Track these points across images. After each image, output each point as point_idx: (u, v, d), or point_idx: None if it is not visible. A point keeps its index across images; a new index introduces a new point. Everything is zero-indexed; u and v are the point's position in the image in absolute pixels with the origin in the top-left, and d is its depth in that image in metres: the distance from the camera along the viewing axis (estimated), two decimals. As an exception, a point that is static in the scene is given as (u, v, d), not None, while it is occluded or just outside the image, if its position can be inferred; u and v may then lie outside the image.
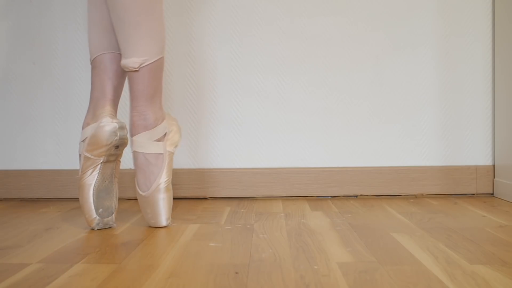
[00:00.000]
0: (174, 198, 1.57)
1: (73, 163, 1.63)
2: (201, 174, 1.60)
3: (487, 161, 1.62)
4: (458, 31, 1.61)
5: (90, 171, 1.18)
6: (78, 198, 1.61)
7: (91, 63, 1.24)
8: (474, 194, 1.62)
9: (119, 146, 1.18)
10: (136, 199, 1.61)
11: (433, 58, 1.61)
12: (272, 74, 1.61)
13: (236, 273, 0.85)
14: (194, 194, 1.61)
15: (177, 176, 1.60)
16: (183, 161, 1.61)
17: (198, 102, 1.62)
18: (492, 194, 1.61)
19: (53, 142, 1.63)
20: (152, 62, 1.18)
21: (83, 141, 1.19)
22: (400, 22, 1.61)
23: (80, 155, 1.20)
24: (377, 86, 1.62)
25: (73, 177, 1.62)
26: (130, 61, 1.16)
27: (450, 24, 1.61)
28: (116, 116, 1.22)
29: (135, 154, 1.19)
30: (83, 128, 1.21)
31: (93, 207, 1.17)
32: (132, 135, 1.20)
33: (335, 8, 1.61)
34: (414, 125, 1.62)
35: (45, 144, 1.63)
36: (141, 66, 1.17)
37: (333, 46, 1.61)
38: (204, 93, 1.62)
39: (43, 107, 1.63)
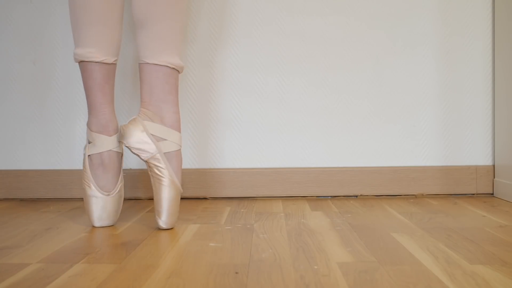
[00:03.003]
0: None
1: (73, 163, 1.63)
2: (201, 174, 1.60)
3: (487, 161, 1.62)
4: (458, 31, 1.61)
5: None
6: (78, 198, 1.61)
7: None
8: (474, 194, 1.62)
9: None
10: (136, 199, 1.61)
11: (433, 58, 1.61)
12: (272, 74, 1.62)
13: (236, 273, 0.85)
14: (194, 194, 1.61)
15: (177, 176, 1.60)
16: (183, 161, 1.61)
17: (198, 102, 1.62)
18: (492, 194, 1.61)
19: (53, 142, 1.63)
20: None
21: (90, 143, 1.21)
22: (400, 21, 1.61)
23: (84, 154, 1.21)
24: (377, 86, 1.62)
25: (73, 177, 1.62)
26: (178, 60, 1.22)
27: (450, 24, 1.61)
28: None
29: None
30: (92, 130, 1.22)
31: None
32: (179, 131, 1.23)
33: (335, 8, 1.61)
34: (414, 125, 1.62)
35: (45, 144, 1.63)
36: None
37: (333, 46, 1.61)
38: (204, 93, 1.62)
39: (43, 107, 1.63)
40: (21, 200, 1.62)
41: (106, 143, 1.20)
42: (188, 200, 1.59)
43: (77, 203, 1.54)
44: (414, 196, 1.61)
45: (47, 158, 1.63)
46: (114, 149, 1.21)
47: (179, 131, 1.21)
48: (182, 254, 0.97)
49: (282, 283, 0.80)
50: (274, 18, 1.61)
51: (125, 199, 1.60)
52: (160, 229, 1.18)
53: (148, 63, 1.19)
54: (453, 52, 1.61)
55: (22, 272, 0.87)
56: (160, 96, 1.20)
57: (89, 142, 1.21)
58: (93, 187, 1.20)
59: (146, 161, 1.16)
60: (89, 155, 1.21)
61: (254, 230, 1.16)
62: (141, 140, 1.15)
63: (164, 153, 1.18)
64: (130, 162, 1.62)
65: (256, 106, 1.62)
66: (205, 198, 1.61)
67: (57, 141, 1.63)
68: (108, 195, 1.21)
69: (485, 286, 0.78)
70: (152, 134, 1.17)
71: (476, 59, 1.61)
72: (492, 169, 1.61)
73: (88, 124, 1.22)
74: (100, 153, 1.20)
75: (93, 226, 1.21)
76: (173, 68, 1.21)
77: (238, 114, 1.62)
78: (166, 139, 1.18)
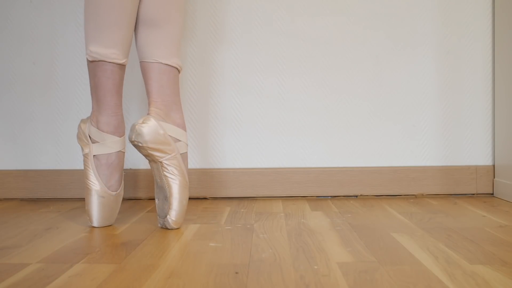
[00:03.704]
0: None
1: (73, 163, 1.63)
2: (201, 174, 1.60)
3: (487, 161, 1.62)
4: (458, 31, 1.61)
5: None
6: (78, 198, 1.61)
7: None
8: (474, 194, 1.62)
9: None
10: (136, 199, 1.61)
11: (433, 58, 1.61)
12: (272, 74, 1.62)
13: (236, 273, 0.85)
14: (194, 194, 1.60)
15: (177, 176, 1.60)
16: (183, 161, 1.61)
17: (198, 102, 1.62)
18: (492, 194, 1.61)
19: (53, 142, 1.63)
20: None
21: (95, 143, 1.21)
22: (400, 22, 1.61)
23: (87, 154, 1.20)
24: (377, 86, 1.62)
25: (73, 177, 1.62)
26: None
27: (450, 24, 1.61)
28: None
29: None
30: (103, 131, 1.21)
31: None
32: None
33: (335, 8, 1.61)
34: (414, 125, 1.62)
35: (45, 144, 1.63)
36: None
37: (333, 46, 1.61)
38: (204, 93, 1.62)
39: (43, 107, 1.63)
40: (21, 200, 1.62)
41: (118, 144, 1.21)
42: (188, 200, 1.59)
43: (77, 203, 1.54)
44: (414, 196, 1.60)
45: (47, 158, 1.63)
46: (122, 150, 1.22)
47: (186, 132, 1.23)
48: (182, 254, 0.97)
49: (282, 283, 0.80)
50: (274, 17, 1.61)
51: (125, 199, 1.60)
52: (168, 228, 1.18)
53: (161, 63, 1.19)
54: (453, 52, 1.61)
55: (22, 272, 0.87)
56: (171, 96, 1.21)
57: (94, 142, 1.21)
58: (100, 187, 1.19)
59: (159, 162, 1.16)
60: (95, 155, 1.20)
61: (254, 230, 1.16)
62: (160, 141, 1.15)
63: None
64: (130, 162, 1.62)
65: (256, 106, 1.62)
66: (205, 198, 1.61)
67: (57, 141, 1.63)
68: (115, 194, 1.21)
69: (485, 286, 0.78)
70: (169, 135, 1.17)
71: (476, 59, 1.61)
72: (492, 169, 1.61)
73: (98, 125, 1.20)
74: (109, 153, 1.20)
75: (93, 226, 1.21)
76: (178, 70, 1.22)
77: (238, 114, 1.62)
78: (180, 140, 1.19)
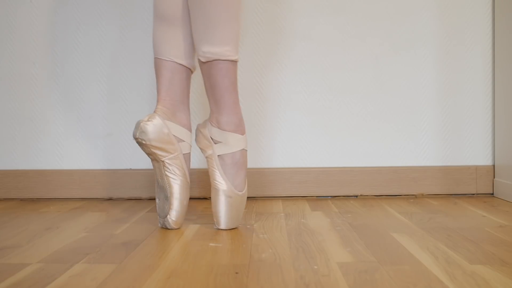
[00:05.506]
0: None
1: (73, 163, 1.63)
2: (201, 174, 1.60)
3: (487, 161, 1.62)
4: (458, 31, 1.61)
5: None
6: (78, 198, 1.61)
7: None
8: (474, 194, 1.62)
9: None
10: (136, 199, 1.60)
11: (433, 58, 1.61)
12: (272, 74, 1.61)
13: (236, 273, 0.85)
14: (194, 194, 1.60)
15: (177, 176, 1.59)
16: (183, 161, 1.61)
17: (198, 102, 1.62)
18: (492, 194, 1.61)
19: (53, 142, 1.63)
20: None
21: (217, 143, 1.19)
22: (400, 22, 1.61)
23: (211, 155, 1.19)
24: (377, 86, 1.62)
25: (73, 177, 1.62)
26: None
27: (450, 24, 1.61)
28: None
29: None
30: (225, 130, 1.18)
31: None
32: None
33: (336, 8, 1.61)
34: (414, 125, 1.62)
35: (45, 144, 1.63)
36: None
37: (333, 46, 1.61)
38: (204, 93, 1.62)
39: (43, 107, 1.63)
40: (21, 200, 1.62)
41: (241, 142, 1.18)
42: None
43: (77, 203, 1.54)
44: (414, 196, 1.60)
45: (47, 158, 1.63)
46: (245, 148, 1.19)
47: (191, 132, 1.22)
48: (182, 254, 0.97)
49: (282, 283, 0.80)
50: (274, 17, 1.61)
51: (125, 199, 1.60)
52: (169, 228, 1.17)
53: (176, 62, 1.19)
54: (453, 52, 1.61)
55: (22, 272, 0.87)
56: (180, 96, 1.21)
57: (216, 143, 1.18)
58: (227, 187, 1.16)
59: (162, 161, 1.16)
60: (219, 155, 1.17)
61: (254, 230, 1.16)
62: (164, 140, 1.15)
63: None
64: (130, 162, 1.62)
65: (256, 106, 1.62)
66: (205, 198, 1.61)
67: (57, 141, 1.63)
68: (241, 194, 1.18)
69: (485, 286, 0.78)
70: (173, 135, 1.17)
71: (476, 59, 1.61)
72: (492, 169, 1.61)
73: (219, 125, 1.17)
74: (233, 152, 1.17)
75: (218, 229, 1.16)
76: (191, 71, 1.23)
77: (238, 114, 1.62)
78: (184, 141, 1.19)
